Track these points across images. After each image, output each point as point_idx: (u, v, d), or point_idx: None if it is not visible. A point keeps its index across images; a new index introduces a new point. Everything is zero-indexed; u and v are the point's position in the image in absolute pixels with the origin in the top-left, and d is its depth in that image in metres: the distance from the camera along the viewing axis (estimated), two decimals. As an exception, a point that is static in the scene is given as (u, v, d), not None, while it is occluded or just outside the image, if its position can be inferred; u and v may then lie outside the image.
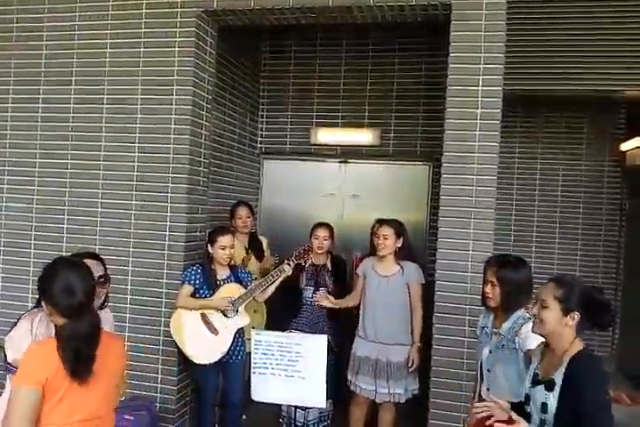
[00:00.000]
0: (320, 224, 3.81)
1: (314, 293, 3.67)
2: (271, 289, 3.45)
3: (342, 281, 3.88)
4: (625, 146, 4.77)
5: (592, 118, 4.89)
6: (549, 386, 1.86)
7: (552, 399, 1.85)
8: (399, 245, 3.42)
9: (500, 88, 3.13)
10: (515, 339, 2.29)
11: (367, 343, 3.43)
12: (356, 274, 3.65)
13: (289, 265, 3.43)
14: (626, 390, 4.24)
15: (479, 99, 3.12)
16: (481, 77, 3.12)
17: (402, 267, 3.42)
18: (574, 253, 4.91)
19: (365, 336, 3.45)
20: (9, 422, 1.69)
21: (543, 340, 2.25)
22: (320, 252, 3.73)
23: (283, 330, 3.48)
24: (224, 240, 3.31)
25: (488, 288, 2.40)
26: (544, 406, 1.87)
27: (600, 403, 1.77)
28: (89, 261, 2.18)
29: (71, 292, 1.79)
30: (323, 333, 3.42)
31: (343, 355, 3.62)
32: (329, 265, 3.84)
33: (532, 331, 2.03)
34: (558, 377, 1.85)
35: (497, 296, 2.36)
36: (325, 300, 3.53)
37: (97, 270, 2.19)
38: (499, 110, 3.13)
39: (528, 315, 2.35)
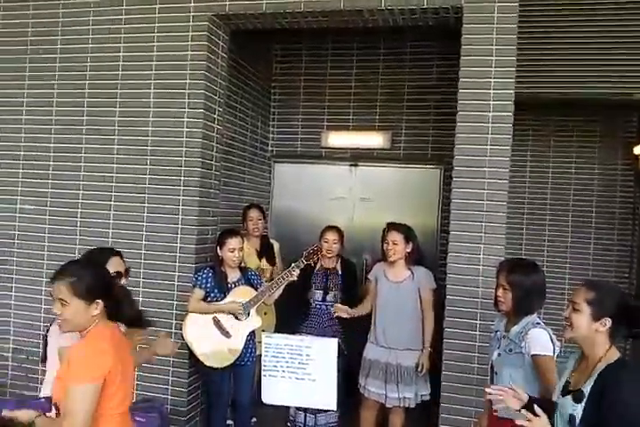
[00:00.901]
0: (330, 227, 3.81)
1: (323, 299, 3.67)
2: (278, 292, 3.45)
3: (352, 285, 3.88)
4: (638, 149, 4.73)
5: (604, 122, 4.85)
6: (578, 397, 1.75)
7: (580, 412, 1.74)
8: (409, 250, 3.41)
9: (511, 91, 3.11)
10: (522, 343, 2.28)
11: (378, 348, 3.43)
12: (368, 279, 3.64)
13: (298, 267, 3.42)
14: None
15: (491, 102, 3.11)
16: (493, 81, 3.11)
17: (412, 272, 3.41)
18: (587, 257, 4.85)
19: (376, 342, 3.44)
20: (76, 420, 1.74)
21: (551, 346, 2.23)
22: (330, 255, 3.73)
23: (292, 333, 3.47)
24: (233, 242, 3.32)
25: (500, 292, 2.38)
26: (571, 419, 1.75)
27: (626, 419, 1.63)
28: (115, 259, 2.47)
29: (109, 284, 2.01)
30: (333, 336, 3.42)
31: (353, 359, 3.61)
32: (339, 268, 3.84)
33: (563, 336, 1.93)
34: (587, 388, 1.75)
35: (509, 300, 2.35)
36: (344, 312, 3.47)
37: (119, 267, 2.47)
38: (510, 114, 3.12)
39: (538, 320, 2.34)
